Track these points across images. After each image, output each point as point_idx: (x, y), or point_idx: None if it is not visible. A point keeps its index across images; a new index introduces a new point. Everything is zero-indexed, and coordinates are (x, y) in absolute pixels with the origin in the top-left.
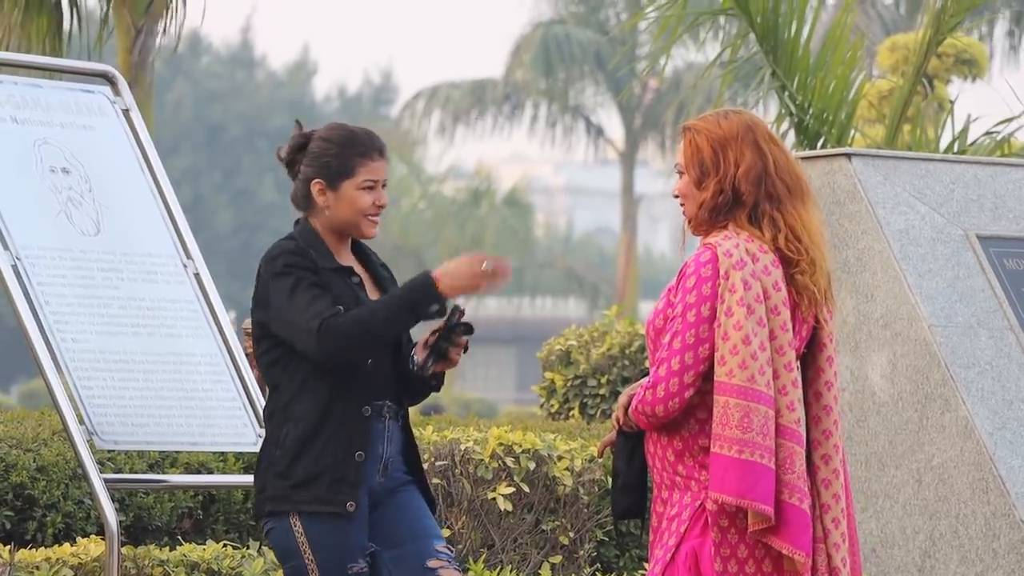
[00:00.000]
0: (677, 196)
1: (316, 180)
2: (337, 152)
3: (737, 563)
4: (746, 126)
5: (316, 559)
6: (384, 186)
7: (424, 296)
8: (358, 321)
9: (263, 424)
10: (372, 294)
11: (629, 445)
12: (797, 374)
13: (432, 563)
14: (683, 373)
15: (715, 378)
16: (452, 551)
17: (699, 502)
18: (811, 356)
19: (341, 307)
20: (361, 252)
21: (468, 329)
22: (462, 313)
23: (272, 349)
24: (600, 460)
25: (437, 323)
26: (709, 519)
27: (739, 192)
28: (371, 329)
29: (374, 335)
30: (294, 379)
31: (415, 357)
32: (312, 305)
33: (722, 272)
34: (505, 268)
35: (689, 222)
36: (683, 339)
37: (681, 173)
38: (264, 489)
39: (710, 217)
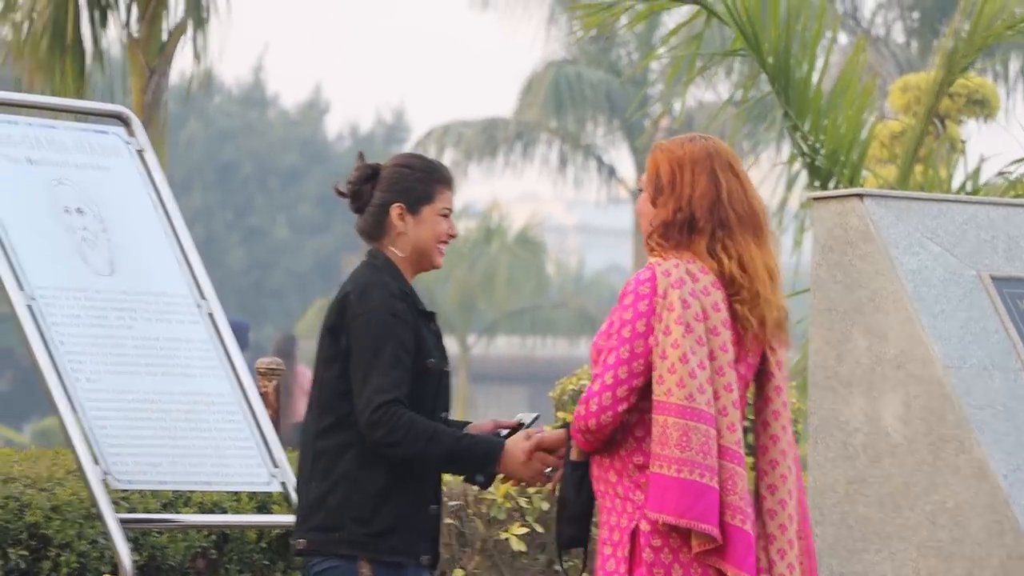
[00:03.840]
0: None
1: (397, 204)
2: (420, 177)
3: None
4: (707, 152)
5: None
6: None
7: (479, 467)
8: (414, 437)
9: (277, 464)
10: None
11: (577, 475)
12: (737, 395)
13: None
14: (616, 387)
15: (653, 397)
16: None
17: (635, 523)
18: (759, 385)
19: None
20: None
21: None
22: (535, 422)
23: (347, 378)
24: (555, 492)
25: (508, 421)
26: (641, 539)
27: (695, 217)
28: (417, 451)
29: (415, 456)
30: None
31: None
32: (389, 374)
33: (660, 291)
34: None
35: (646, 240)
36: (617, 354)
37: (642, 190)
38: (338, 529)
39: (663, 235)
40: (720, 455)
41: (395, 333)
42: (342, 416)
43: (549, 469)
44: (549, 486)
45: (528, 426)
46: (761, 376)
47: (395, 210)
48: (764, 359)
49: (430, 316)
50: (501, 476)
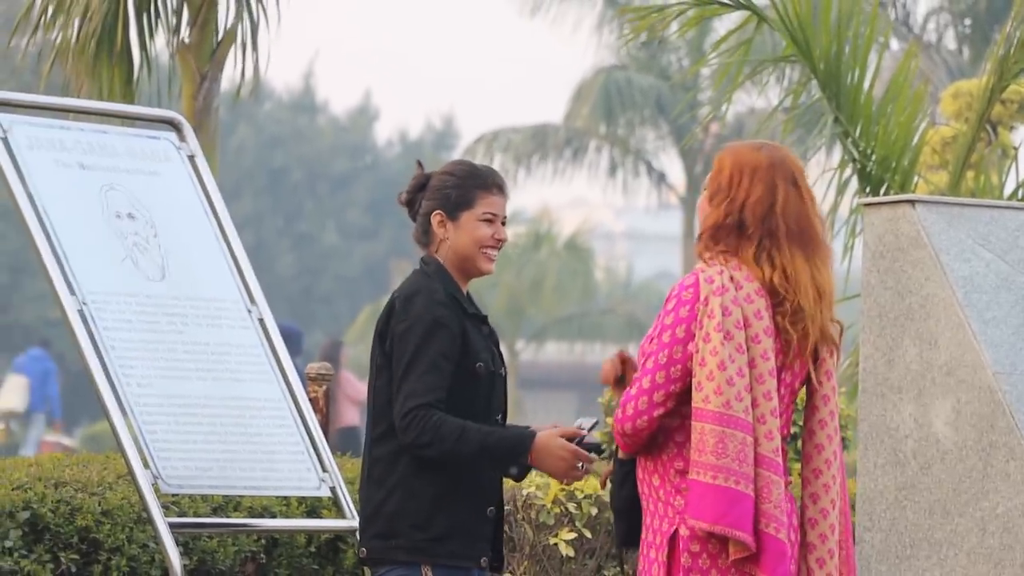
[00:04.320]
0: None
1: (436, 212)
2: (457, 183)
3: None
4: (771, 162)
5: None
6: (504, 223)
7: (512, 458)
8: (443, 436)
9: (326, 469)
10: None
11: (622, 472)
12: (776, 403)
13: None
14: (653, 392)
15: (692, 404)
16: None
17: (674, 528)
18: (807, 394)
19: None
20: (471, 301)
21: (596, 449)
22: (585, 433)
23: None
24: (605, 491)
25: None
26: (680, 544)
27: (744, 223)
28: (448, 451)
29: (450, 456)
30: None
31: None
32: (423, 379)
33: (702, 297)
34: (589, 469)
35: (697, 241)
36: (656, 359)
37: (705, 189)
38: (396, 536)
39: (712, 236)
40: (757, 463)
41: (436, 338)
42: (392, 423)
43: (581, 464)
44: (597, 484)
45: (589, 431)
46: (808, 385)
47: (435, 218)
48: (810, 369)
49: (482, 319)
50: (545, 476)
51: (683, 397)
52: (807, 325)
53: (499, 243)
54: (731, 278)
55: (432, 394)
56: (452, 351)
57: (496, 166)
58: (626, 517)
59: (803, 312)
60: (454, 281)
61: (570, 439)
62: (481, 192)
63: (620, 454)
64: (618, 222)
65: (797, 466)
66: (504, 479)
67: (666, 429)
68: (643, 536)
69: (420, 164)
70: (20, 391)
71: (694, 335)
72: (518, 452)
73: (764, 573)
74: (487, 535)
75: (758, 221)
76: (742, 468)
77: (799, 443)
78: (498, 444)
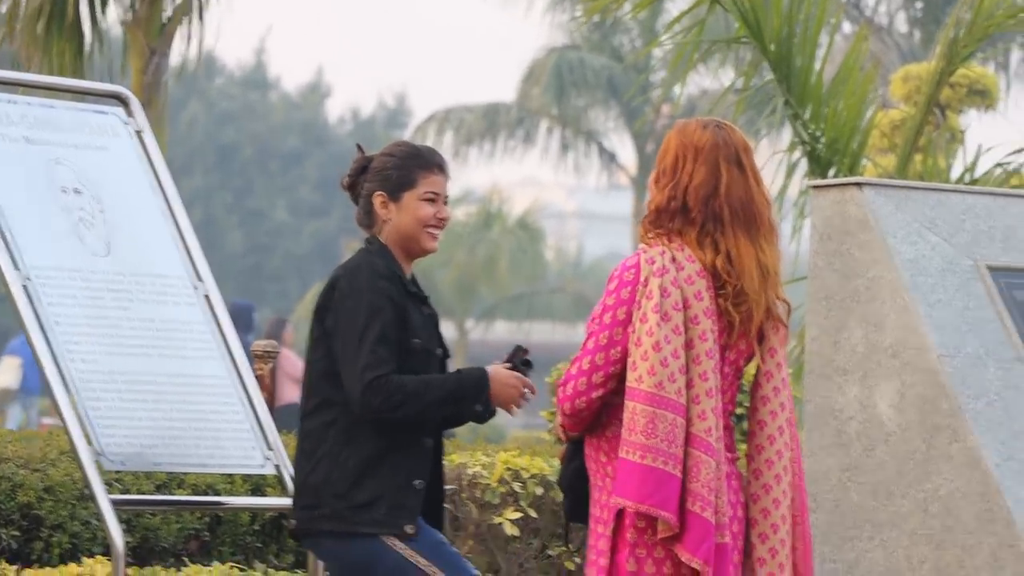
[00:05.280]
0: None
1: (378, 193)
2: (399, 164)
3: (654, 563)
4: (715, 143)
5: (436, 564)
6: (446, 202)
7: (475, 393)
8: (408, 394)
9: (271, 447)
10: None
11: (571, 449)
12: (714, 384)
13: None
14: (592, 373)
15: (626, 383)
16: None
17: (621, 506)
18: (755, 371)
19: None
20: (415, 283)
21: (528, 364)
22: (525, 352)
23: (330, 359)
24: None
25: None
26: (627, 520)
27: (688, 206)
28: (417, 407)
29: (416, 413)
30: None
31: None
32: (376, 350)
33: (642, 278)
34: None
35: (642, 222)
36: (596, 340)
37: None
38: (319, 507)
39: (655, 220)
40: (688, 443)
41: (381, 311)
42: (326, 396)
43: (528, 391)
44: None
45: (516, 352)
46: (754, 363)
47: (377, 199)
48: (757, 347)
49: (422, 299)
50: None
51: (624, 377)
52: (751, 307)
53: (442, 222)
54: (672, 259)
55: (387, 364)
56: (396, 322)
57: (448, 145)
58: (573, 492)
59: (746, 295)
60: (397, 261)
61: (507, 367)
62: (422, 172)
63: (568, 433)
64: (569, 202)
65: (744, 446)
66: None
67: (611, 407)
68: (591, 511)
69: (360, 147)
70: (13, 371)
71: (633, 316)
72: (482, 386)
73: (686, 551)
74: (413, 506)
75: (701, 204)
76: (671, 449)
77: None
78: (461, 384)
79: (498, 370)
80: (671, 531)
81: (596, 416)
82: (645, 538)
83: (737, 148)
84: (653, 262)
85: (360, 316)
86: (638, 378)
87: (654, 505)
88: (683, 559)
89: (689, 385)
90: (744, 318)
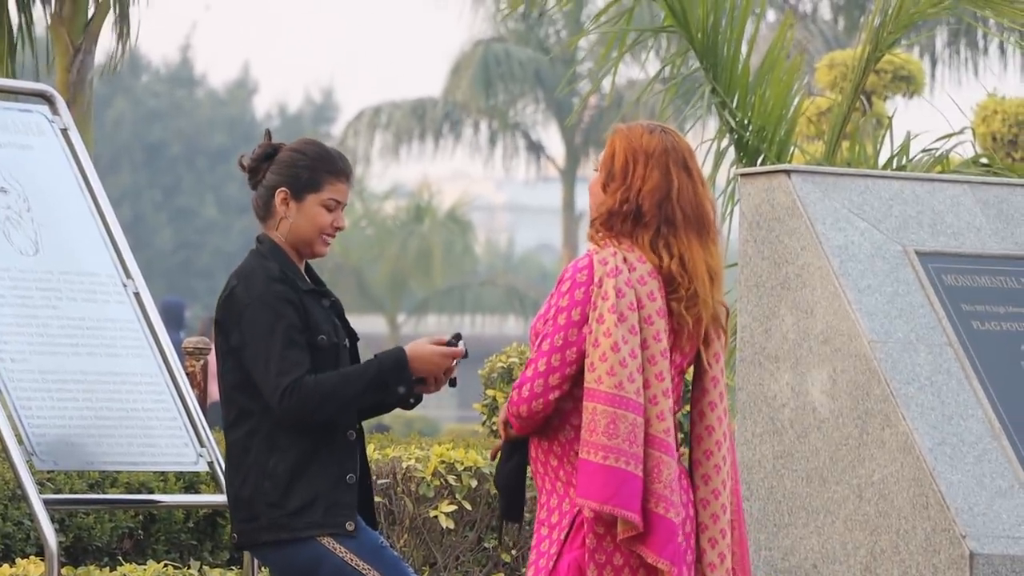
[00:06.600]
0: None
1: (281, 189)
2: (309, 164)
3: (613, 570)
4: (664, 148)
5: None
6: (343, 210)
7: (396, 377)
8: (326, 393)
9: (203, 444)
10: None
11: (508, 448)
12: (668, 384)
13: None
14: (548, 375)
15: (584, 384)
16: None
17: (578, 509)
18: (696, 376)
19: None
20: (311, 273)
21: (463, 355)
22: (458, 337)
23: (240, 370)
24: (494, 463)
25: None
26: (586, 525)
27: (642, 210)
28: (338, 403)
29: (339, 408)
30: (269, 407)
31: None
32: (286, 355)
33: (596, 279)
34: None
35: (590, 224)
36: (551, 341)
37: (597, 170)
38: (256, 518)
39: (606, 223)
40: (648, 443)
41: (283, 314)
42: (243, 407)
43: (455, 362)
44: (476, 456)
45: (452, 340)
46: (697, 367)
47: (279, 195)
48: (699, 351)
49: (321, 293)
50: (425, 448)
51: (578, 379)
52: (699, 310)
53: (336, 231)
54: (624, 259)
55: (300, 368)
56: (300, 324)
57: (377, 142)
58: (509, 492)
59: (697, 297)
60: (289, 260)
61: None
62: (330, 177)
63: (510, 433)
64: (498, 194)
65: (685, 449)
66: (364, 449)
67: (561, 412)
68: (538, 514)
69: (269, 133)
70: None
71: (588, 317)
72: (401, 366)
73: (652, 552)
74: (349, 503)
75: (655, 208)
76: (632, 449)
77: (686, 426)
78: (380, 370)
79: (420, 345)
80: (634, 531)
81: (547, 419)
82: (604, 544)
83: (683, 153)
84: (606, 263)
85: (263, 325)
86: (597, 379)
87: (617, 505)
88: (649, 560)
89: (646, 385)
90: (695, 321)
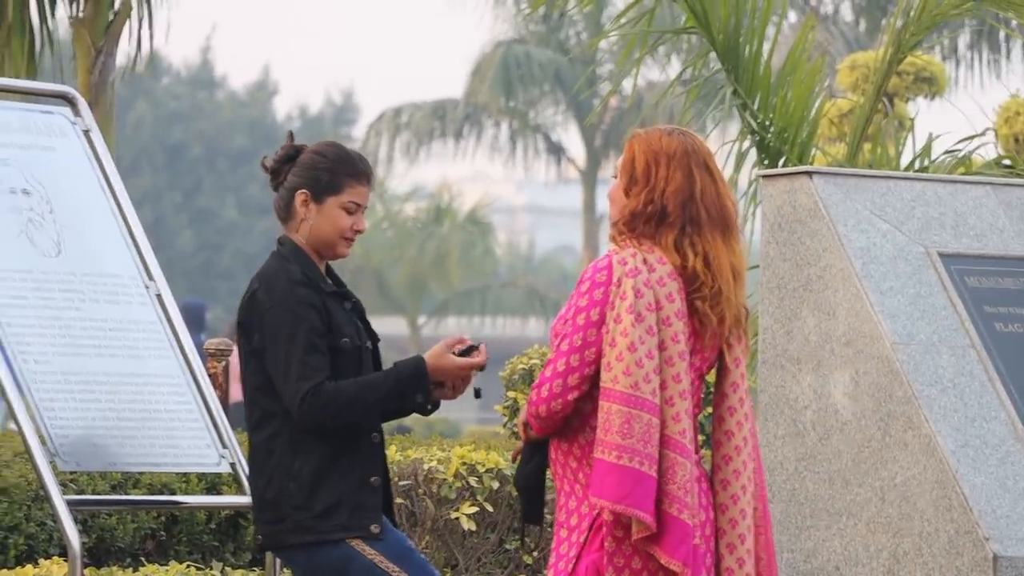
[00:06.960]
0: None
1: (302, 190)
2: (329, 167)
3: (631, 574)
4: (684, 149)
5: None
6: (363, 212)
7: (415, 386)
8: (345, 400)
9: (225, 445)
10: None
11: (528, 450)
12: (686, 386)
13: None
14: (567, 375)
15: (600, 384)
16: None
17: (597, 511)
18: (717, 380)
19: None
20: (332, 275)
21: (481, 367)
22: (472, 349)
23: (263, 372)
24: (515, 465)
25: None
26: (604, 528)
27: (666, 210)
28: (356, 411)
29: (357, 416)
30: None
31: None
32: (306, 360)
33: (615, 279)
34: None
35: (612, 226)
36: (571, 342)
37: (616, 177)
38: (282, 520)
39: (630, 224)
40: (663, 444)
41: (305, 318)
42: (266, 409)
43: (473, 372)
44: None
45: (470, 350)
46: (719, 371)
47: (299, 196)
48: (722, 354)
49: (343, 295)
50: (447, 450)
51: (597, 380)
52: (723, 308)
53: (357, 233)
54: (644, 260)
55: (320, 373)
56: (322, 328)
57: (399, 143)
58: (529, 494)
59: (721, 296)
60: (311, 261)
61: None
62: (350, 180)
63: (530, 434)
64: (519, 196)
65: (706, 452)
66: (385, 451)
67: (581, 413)
68: (557, 516)
69: (291, 135)
70: None
71: (607, 317)
72: (420, 375)
73: (665, 553)
74: (374, 505)
75: (679, 208)
76: (646, 449)
77: (708, 428)
78: (399, 379)
79: (439, 355)
80: (647, 531)
81: (566, 420)
82: (623, 547)
83: (704, 154)
84: (625, 263)
85: (284, 328)
86: (613, 379)
87: (631, 505)
88: (662, 562)
89: (663, 387)
90: (719, 320)
